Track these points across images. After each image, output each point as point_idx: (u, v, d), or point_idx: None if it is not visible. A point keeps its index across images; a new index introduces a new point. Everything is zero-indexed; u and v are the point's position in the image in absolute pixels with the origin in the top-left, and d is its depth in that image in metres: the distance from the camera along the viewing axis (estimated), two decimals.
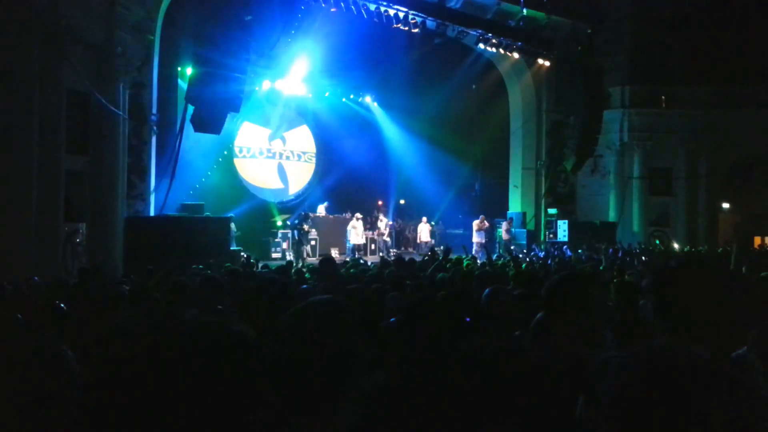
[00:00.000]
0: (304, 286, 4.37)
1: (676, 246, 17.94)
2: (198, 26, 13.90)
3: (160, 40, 14.46)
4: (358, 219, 19.06)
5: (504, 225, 19.96)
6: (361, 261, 12.77)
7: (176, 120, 15.05)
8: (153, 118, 14.30)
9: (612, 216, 21.82)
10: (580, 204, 22.67)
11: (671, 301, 1.86)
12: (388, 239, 20.42)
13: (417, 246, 20.06)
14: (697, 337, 1.80)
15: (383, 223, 20.43)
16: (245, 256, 13.83)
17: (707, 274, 1.91)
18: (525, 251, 17.22)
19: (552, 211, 21.38)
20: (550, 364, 2.20)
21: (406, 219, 23.65)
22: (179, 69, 16.13)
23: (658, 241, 19.02)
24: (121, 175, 13.05)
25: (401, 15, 16.91)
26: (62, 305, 3.35)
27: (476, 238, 19.35)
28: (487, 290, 3.41)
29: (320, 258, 9.98)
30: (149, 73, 14.13)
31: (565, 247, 16.72)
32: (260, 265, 11.29)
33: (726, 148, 21.41)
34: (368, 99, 22.49)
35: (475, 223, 19.76)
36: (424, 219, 20.47)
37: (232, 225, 16.81)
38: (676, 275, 1.94)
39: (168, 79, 15.47)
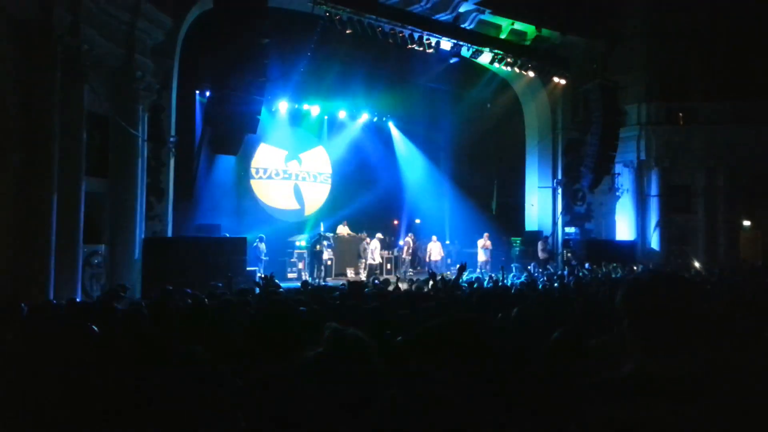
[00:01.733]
0: (303, 308, 4.32)
1: (697, 265, 17.63)
2: (216, 49, 14.11)
3: (179, 64, 14.67)
4: (379, 239, 19.08)
5: (540, 245, 19.86)
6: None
7: (194, 141, 15.21)
8: (172, 139, 14.45)
9: (631, 235, 21.58)
10: (597, 222, 22.46)
11: (642, 314, 1.80)
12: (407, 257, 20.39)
13: (427, 265, 20.01)
14: (669, 351, 1.73)
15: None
16: (262, 276, 13.81)
17: (674, 286, 1.86)
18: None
19: (569, 229, 21.19)
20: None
21: (422, 239, 23.55)
22: (197, 91, 16.34)
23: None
24: (140, 197, 13.16)
25: (416, 36, 17.02)
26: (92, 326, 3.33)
27: (482, 257, 19.39)
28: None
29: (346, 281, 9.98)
30: (168, 96, 14.32)
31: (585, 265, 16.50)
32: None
33: (746, 165, 21.14)
34: (383, 119, 22.60)
35: (480, 242, 19.78)
36: (434, 238, 20.34)
37: (263, 245, 16.91)
38: (645, 288, 1.88)
39: (186, 101, 15.67)
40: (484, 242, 19.76)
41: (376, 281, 11.16)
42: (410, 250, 20.43)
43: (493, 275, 13.54)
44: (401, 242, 20.52)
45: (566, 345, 2.62)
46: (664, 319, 1.76)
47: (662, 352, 1.74)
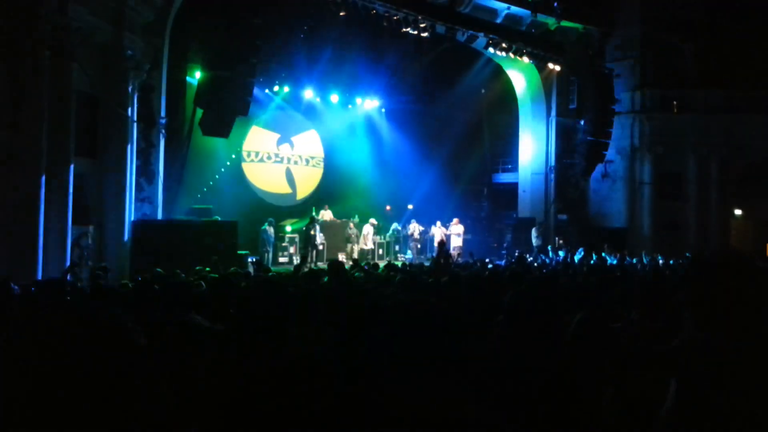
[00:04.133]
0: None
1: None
2: (207, 29, 13.91)
3: (170, 43, 14.45)
4: (373, 225, 18.99)
5: (534, 231, 19.87)
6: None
7: (185, 123, 15.04)
8: (162, 121, 14.27)
9: (623, 221, 21.64)
10: (590, 209, 22.49)
11: (706, 293, 1.86)
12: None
13: (432, 250, 19.76)
14: (728, 329, 1.80)
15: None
16: (253, 260, 13.74)
17: (741, 268, 1.90)
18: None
19: (562, 216, 21.21)
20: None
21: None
22: (188, 72, 16.12)
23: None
24: (129, 178, 13.02)
25: (410, 19, 16.83)
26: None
27: (456, 242, 19.36)
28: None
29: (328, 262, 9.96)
30: (158, 76, 14.12)
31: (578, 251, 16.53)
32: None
33: (738, 153, 21.21)
34: (377, 103, 22.43)
35: (453, 227, 19.79)
36: (438, 223, 20.22)
37: (271, 229, 16.79)
38: (712, 268, 1.92)
39: (177, 83, 15.46)
40: (456, 227, 19.67)
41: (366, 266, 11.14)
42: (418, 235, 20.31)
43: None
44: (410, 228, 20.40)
45: (591, 326, 2.63)
46: (724, 297, 1.82)
47: (717, 327, 1.81)
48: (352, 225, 18.98)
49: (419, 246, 20.17)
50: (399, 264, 11.92)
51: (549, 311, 2.85)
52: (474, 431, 1.65)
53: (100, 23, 11.89)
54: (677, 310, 3.73)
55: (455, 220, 19.95)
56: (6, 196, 9.83)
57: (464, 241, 19.83)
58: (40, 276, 9.64)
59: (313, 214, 18.23)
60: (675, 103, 21.65)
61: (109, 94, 12.27)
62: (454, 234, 19.64)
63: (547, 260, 16.05)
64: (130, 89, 12.93)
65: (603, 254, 15.61)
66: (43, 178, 10.29)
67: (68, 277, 8.08)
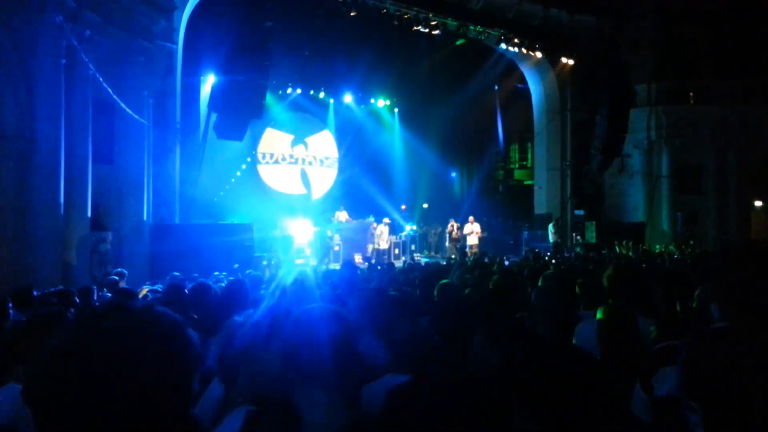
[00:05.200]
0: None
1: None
2: (219, 34, 13.99)
3: (183, 49, 14.56)
4: (386, 224, 18.84)
5: (551, 227, 19.56)
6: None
7: (200, 127, 15.16)
8: (177, 125, 14.39)
9: (641, 216, 21.40)
10: (607, 204, 22.28)
11: (734, 283, 1.88)
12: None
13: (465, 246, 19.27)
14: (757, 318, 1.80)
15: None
16: (269, 261, 13.82)
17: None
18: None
19: (579, 212, 21.02)
20: None
21: (429, 222, 23.44)
22: (202, 77, 16.24)
23: (692, 242, 18.47)
24: (146, 183, 13.14)
25: (421, 17, 16.79)
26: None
27: (473, 240, 18.88)
28: None
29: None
30: (172, 81, 14.21)
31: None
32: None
33: (757, 145, 20.86)
34: (389, 102, 22.42)
35: (469, 226, 19.19)
36: (471, 219, 19.34)
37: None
38: (738, 258, 1.93)
39: (191, 87, 15.59)
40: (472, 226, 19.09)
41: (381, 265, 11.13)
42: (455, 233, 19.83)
43: None
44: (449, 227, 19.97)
45: (617, 323, 2.61)
46: (752, 288, 1.84)
47: (746, 318, 1.83)
48: (375, 224, 18.67)
49: (457, 245, 19.64)
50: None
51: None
52: None
53: (115, 30, 12.02)
54: (702, 304, 3.71)
55: (471, 218, 19.70)
56: (25, 203, 9.97)
57: (480, 239, 19.64)
58: (60, 284, 9.75)
59: (330, 215, 18.29)
60: (692, 94, 21.36)
61: (124, 100, 12.39)
62: (471, 233, 19.33)
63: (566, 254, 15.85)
64: (145, 95, 13.05)
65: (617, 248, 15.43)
66: (62, 184, 10.42)
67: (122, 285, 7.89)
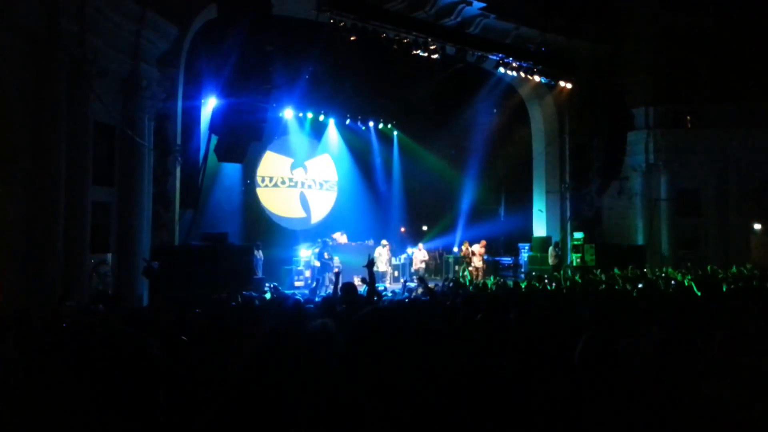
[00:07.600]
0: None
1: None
2: (221, 58, 14.08)
3: (184, 72, 14.68)
4: (384, 246, 18.81)
5: (551, 250, 19.61)
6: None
7: (200, 150, 15.21)
8: (177, 148, 14.44)
9: (640, 239, 21.39)
10: (606, 227, 22.28)
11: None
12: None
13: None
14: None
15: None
16: (271, 285, 13.76)
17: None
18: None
19: (578, 234, 21.01)
20: None
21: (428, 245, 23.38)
22: (203, 100, 16.34)
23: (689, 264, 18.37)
24: (146, 206, 13.14)
25: (420, 41, 16.97)
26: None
27: (478, 262, 19.02)
28: None
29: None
30: (174, 105, 14.31)
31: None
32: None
33: (756, 168, 20.94)
34: (389, 125, 22.56)
35: (477, 247, 19.33)
36: (483, 242, 19.77)
37: (260, 253, 16.64)
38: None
39: (192, 110, 15.66)
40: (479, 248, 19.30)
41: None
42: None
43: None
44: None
45: (597, 346, 2.61)
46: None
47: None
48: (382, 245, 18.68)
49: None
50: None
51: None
52: None
53: (117, 55, 12.13)
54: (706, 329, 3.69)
55: (482, 242, 19.65)
56: (25, 225, 9.94)
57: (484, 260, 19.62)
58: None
59: (329, 238, 18.25)
60: (689, 117, 21.51)
61: (125, 123, 12.45)
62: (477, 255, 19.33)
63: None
64: (146, 118, 13.12)
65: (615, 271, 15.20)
66: (62, 206, 10.40)
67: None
